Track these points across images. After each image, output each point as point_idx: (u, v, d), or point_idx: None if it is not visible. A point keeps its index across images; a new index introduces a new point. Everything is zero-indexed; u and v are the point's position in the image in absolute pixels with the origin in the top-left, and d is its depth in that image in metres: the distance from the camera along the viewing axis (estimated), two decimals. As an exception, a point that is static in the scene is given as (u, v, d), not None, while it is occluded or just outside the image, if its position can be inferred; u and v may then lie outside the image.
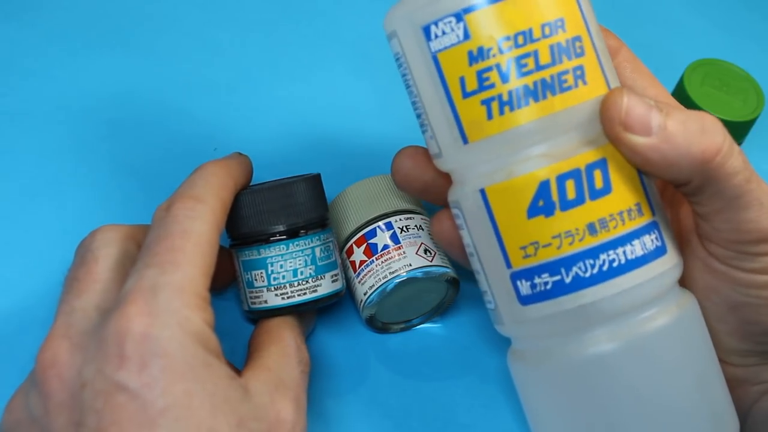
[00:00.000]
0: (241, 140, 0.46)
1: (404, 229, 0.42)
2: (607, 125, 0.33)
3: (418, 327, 0.44)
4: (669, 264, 0.34)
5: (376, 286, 0.41)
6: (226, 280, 0.41)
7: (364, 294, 0.41)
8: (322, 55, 0.54)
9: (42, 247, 0.44)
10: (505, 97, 0.32)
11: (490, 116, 0.32)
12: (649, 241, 0.33)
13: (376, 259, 0.41)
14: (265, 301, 0.39)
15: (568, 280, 0.32)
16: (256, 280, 0.39)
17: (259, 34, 0.54)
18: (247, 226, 0.38)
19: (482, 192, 0.33)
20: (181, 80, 0.51)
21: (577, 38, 0.33)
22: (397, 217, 0.42)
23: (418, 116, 0.35)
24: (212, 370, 0.32)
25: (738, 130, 0.52)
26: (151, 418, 0.30)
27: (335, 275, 0.40)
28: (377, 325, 0.43)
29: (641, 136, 0.32)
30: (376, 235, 0.42)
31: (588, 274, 0.32)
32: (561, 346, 0.34)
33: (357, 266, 0.42)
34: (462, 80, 0.32)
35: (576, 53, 0.32)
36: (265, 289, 0.39)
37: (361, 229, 0.42)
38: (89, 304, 0.34)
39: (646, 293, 0.33)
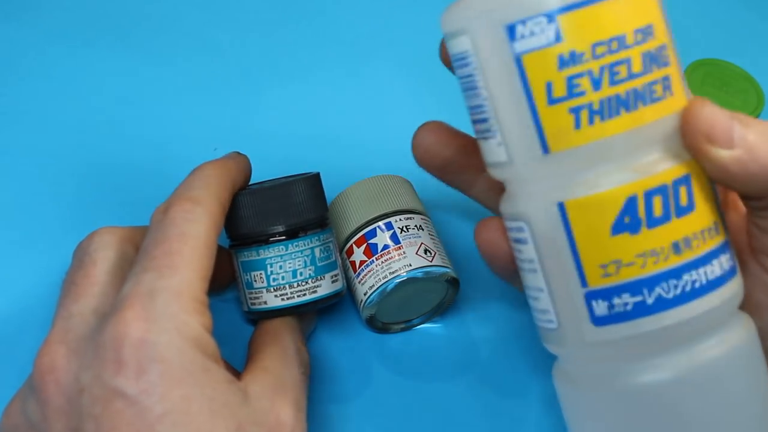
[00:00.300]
0: (241, 140, 0.46)
1: (404, 229, 0.42)
2: (690, 138, 0.31)
3: (418, 327, 0.44)
4: (740, 284, 0.33)
5: (376, 286, 0.41)
6: (225, 281, 0.41)
7: (364, 294, 0.41)
8: (322, 55, 0.53)
9: (42, 248, 0.44)
10: (596, 106, 0.30)
11: (578, 126, 0.30)
12: (726, 261, 0.32)
13: (376, 259, 0.41)
14: (265, 302, 0.39)
15: (650, 301, 0.31)
16: (255, 281, 0.39)
17: (259, 34, 0.54)
18: (245, 227, 0.38)
19: (560, 206, 0.31)
20: (181, 80, 0.51)
21: (664, 46, 0.31)
22: (397, 217, 0.42)
23: (482, 121, 0.33)
24: (210, 375, 0.32)
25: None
26: (149, 424, 0.30)
27: (335, 275, 0.40)
28: (377, 325, 0.43)
29: (724, 148, 0.31)
30: (376, 235, 0.42)
31: (671, 296, 0.31)
32: (631, 370, 0.32)
33: (357, 266, 0.42)
34: (549, 86, 0.30)
35: (663, 62, 0.31)
36: (264, 290, 0.39)
37: (361, 229, 0.42)
38: (87, 308, 0.34)
39: (722, 314, 0.32)
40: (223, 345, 0.34)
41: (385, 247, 0.41)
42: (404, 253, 0.41)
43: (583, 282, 0.31)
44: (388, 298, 0.41)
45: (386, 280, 0.41)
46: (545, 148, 0.31)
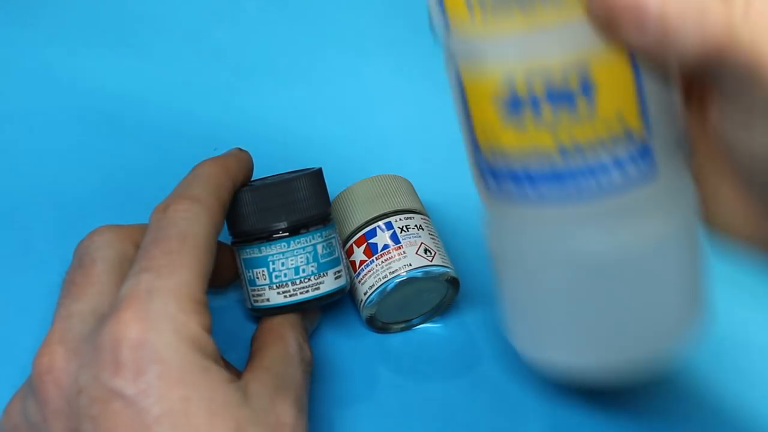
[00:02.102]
0: (241, 141, 0.45)
1: (404, 228, 0.42)
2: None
3: (418, 327, 0.44)
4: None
5: (376, 286, 0.41)
6: (229, 277, 0.41)
7: (364, 294, 0.41)
8: (322, 54, 0.54)
9: (42, 247, 0.44)
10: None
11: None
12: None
13: (376, 259, 0.41)
14: (267, 299, 0.39)
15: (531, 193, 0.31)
16: (257, 278, 0.39)
17: (259, 34, 0.54)
18: (247, 224, 0.38)
19: (458, 74, 0.31)
20: (181, 80, 0.51)
21: None
22: (397, 217, 0.42)
23: None
24: (209, 375, 0.32)
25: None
26: (146, 425, 0.30)
27: (338, 272, 0.40)
28: (377, 324, 0.43)
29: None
30: (376, 235, 0.42)
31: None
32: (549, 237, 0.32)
33: (357, 266, 0.42)
34: None
35: None
36: (266, 287, 0.39)
37: (361, 229, 0.42)
38: (86, 308, 0.33)
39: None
40: (226, 342, 0.34)
41: (385, 246, 0.41)
42: (404, 252, 0.41)
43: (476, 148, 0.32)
44: (388, 298, 0.41)
45: (386, 279, 0.41)
46: (448, 28, 0.31)
